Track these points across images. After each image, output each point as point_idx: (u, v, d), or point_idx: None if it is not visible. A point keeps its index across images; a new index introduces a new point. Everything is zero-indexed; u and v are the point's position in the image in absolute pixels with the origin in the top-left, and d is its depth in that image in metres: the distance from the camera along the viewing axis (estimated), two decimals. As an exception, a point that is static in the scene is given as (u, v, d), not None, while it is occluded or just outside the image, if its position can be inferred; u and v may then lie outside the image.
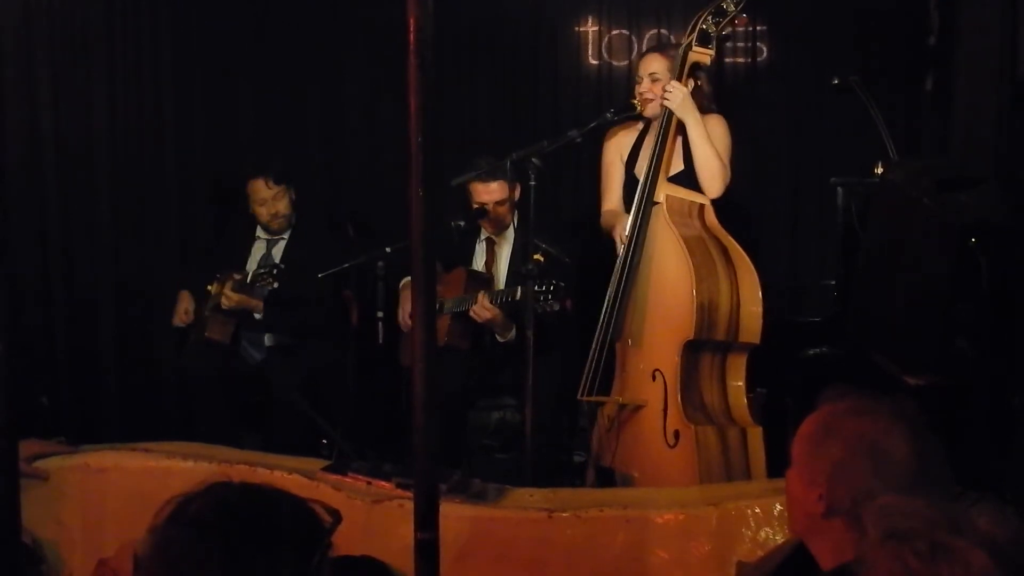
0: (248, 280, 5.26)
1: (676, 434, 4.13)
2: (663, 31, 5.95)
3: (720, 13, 4.34)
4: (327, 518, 1.81)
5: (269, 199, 5.42)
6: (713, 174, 4.37)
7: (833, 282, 4.96)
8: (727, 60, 5.83)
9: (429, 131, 1.90)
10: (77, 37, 5.65)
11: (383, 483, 3.63)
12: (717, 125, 4.45)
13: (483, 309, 4.82)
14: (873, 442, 2.12)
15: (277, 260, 5.45)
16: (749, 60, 5.93)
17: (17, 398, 2.33)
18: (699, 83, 4.45)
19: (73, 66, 5.63)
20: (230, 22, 6.02)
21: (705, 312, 4.09)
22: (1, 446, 2.45)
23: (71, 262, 5.69)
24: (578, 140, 4.49)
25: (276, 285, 5.15)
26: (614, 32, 6.04)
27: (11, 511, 1.91)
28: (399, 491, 3.54)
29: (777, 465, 4.08)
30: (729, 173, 4.42)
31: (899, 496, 1.96)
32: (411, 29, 1.88)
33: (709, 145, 4.36)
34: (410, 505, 1.92)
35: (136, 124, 5.86)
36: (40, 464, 3.70)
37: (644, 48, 5.81)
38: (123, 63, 5.80)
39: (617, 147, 4.73)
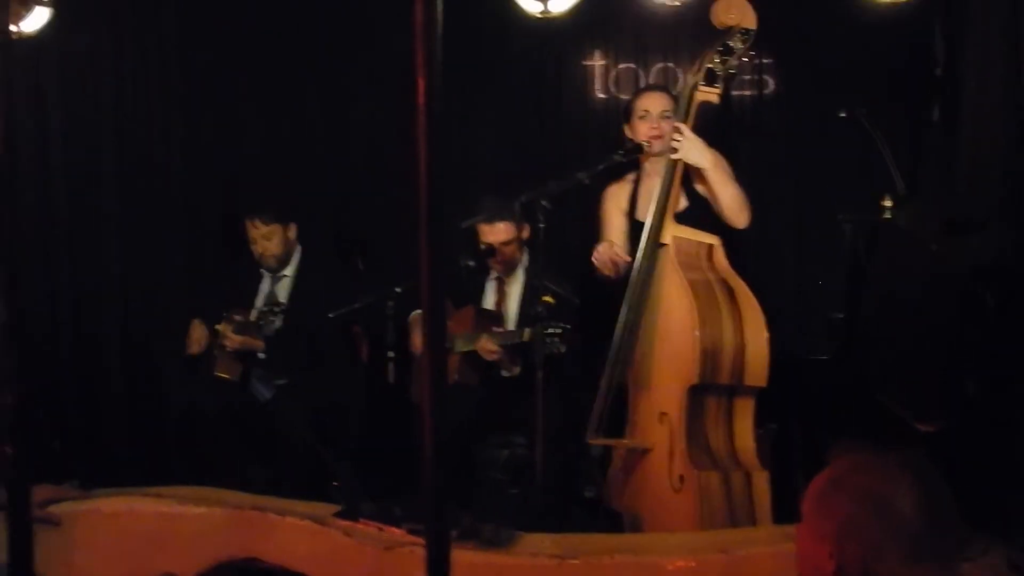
0: (253, 319, 5.28)
1: (681, 478, 4.11)
2: (670, 64, 5.96)
3: (727, 51, 4.33)
4: None
5: (259, 239, 5.43)
6: (740, 207, 4.39)
7: (841, 315, 4.95)
8: (733, 92, 5.84)
9: (437, 172, 1.92)
10: (85, 70, 5.69)
11: (394, 529, 3.64)
12: (721, 160, 4.45)
13: (488, 352, 4.86)
14: (881, 498, 2.13)
15: (282, 296, 5.46)
16: (756, 92, 5.94)
17: (29, 443, 2.35)
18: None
19: (81, 98, 5.67)
20: (238, 55, 6.05)
21: (709, 357, 4.07)
22: (14, 492, 2.47)
23: (79, 304, 5.72)
24: (586, 182, 4.46)
25: (279, 323, 5.17)
26: (621, 66, 6.05)
27: (24, 556, 1.92)
28: (410, 537, 3.56)
29: (785, 503, 4.09)
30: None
31: (905, 562, 1.98)
32: (419, 64, 1.90)
33: (731, 182, 4.37)
34: (421, 551, 1.92)
35: (144, 156, 5.91)
36: (53, 509, 3.72)
37: (651, 82, 5.83)
38: (130, 94, 5.86)
39: (615, 200, 4.74)
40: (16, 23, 4.69)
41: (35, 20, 4.90)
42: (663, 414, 4.19)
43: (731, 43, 4.33)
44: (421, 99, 1.96)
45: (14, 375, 2.42)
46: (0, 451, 2.41)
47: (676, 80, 5.92)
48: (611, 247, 4.54)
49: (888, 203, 4.68)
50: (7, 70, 2.40)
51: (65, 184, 5.73)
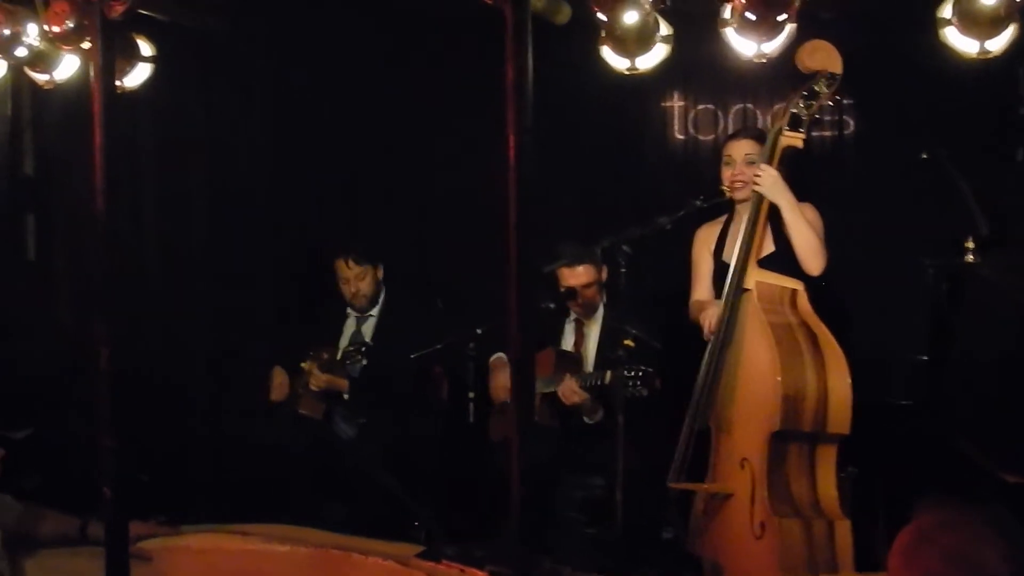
0: (338, 357, 5.35)
1: (762, 525, 4.07)
2: (749, 106, 5.98)
3: (812, 96, 4.32)
4: None
5: (351, 279, 5.54)
6: (814, 252, 4.36)
7: (925, 358, 4.89)
8: (814, 134, 5.82)
9: (526, 228, 1.97)
10: (179, 127, 5.85)
11: (476, 571, 3.66)
12: (808, 210, 4.43)
13: (571, 392, 4.87)
14: (968, 555, 2.14)
15: (368, 337, 5.55)
16: (836, 133, 5.93)
17: (128, 486, 2.43)
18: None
19: (175, 153, 5.82)
20: (324, 101, 6.17)
21: (791, 403, 4.03)
22: (112, 531, 2.55)
23: (170, 343, 5.85)
24: (668, 227, 4.48)
25: (364, 362, 5.23)
26: (700, 107, 6.09)
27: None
28: (492, 579, 3.57)
29: (865, 548, 4.06)
30: (826, 252, 4.40)
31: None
32: (510, 122, 1.95)
33: (806, 224, 4.35)
34: None
35: (233, 198, 6.06)
36: (144, 545, 3.78)
37: (730, 123, 5.86)
38: (222, 141, 6.00)
39: (705, 241, 4.76)
40: (120, 78, 4.84)
41: (138, 75, 5.05)
42: (744, 460, 4.17)
43: (816, 88, 4.32)
44: (512, 155, 2.02)
45: (114, 420, 2.50)
46: (100, 492, 2.49)
47: (756, 122, 5.94)
48: (698, 310, 4.59)
49: (970, 245, 4.64)
50: (113, 123, 2.50)
51: (155, 228, 5.88)
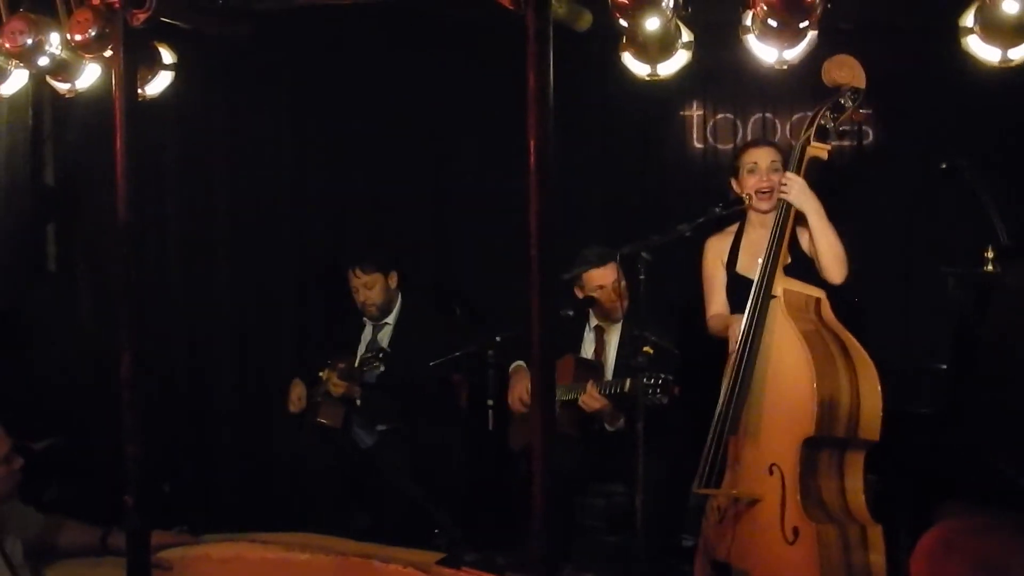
0: (357, 364, 5.36)
1: (795, 531, 4.06)
2: (768, 115, 5.97)
3: (838, 108, 4.39)
4: None
5: (360, 287, 5.56)
6: (839, 261, 4.42)
7: (944, 366, 4.89)
8: (834, 143, 5.81)
9: (548, 234, 1.97)
10: (201, 136, 5.88)
11: (497, 578, 3.66)
12: None
13: (592, 399, 4.87)
14: (996, 562, 2.13)
15: (385, 344, 5.55)
16: (856, 143, 5.92)
17: (150, 495, 2.44)
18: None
19: (197, 175, 5.86)
20: (346, 109, 6.19)
21: (826, 409, 4.04)
22: (134, 540, 2.56)
23: (193, 354, 5.88)
24: (688, 234, 4.51)
25: (382, 369, 5.24)
26: (719, 116, 6.08)
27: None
28: (513, 586, 3.57)
29: (889, 557, 4.05)
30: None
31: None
32: (531, 126, 1.95)
33: (832, 232, 4.40)
34: None
35: (253, 210, 6.08)
36: (164, 554, 3.79)
37: (749, 132, 5.86)
38: (242, 151, 6.03)
39: (716, 253, 4.79)
40: (142, 86, 4.86)
41: (159, 83, 5.07)
42: (774, 465, 4.16)
43: (842, 101, 4.39)
44: (533, 161, 2.02)
45: (138, 429, 2.51)
46: (122, 500, 2.50)
47: (775, 131, 5.94)
48: (721, 325, 4.61)
49: (991, 255, 4.63)
50: (134, 132, 2.51)
51: (177, 238, 5.93)
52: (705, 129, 6.09)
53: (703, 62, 5.39)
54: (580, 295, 5.20)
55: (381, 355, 5.28)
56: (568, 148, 5.94)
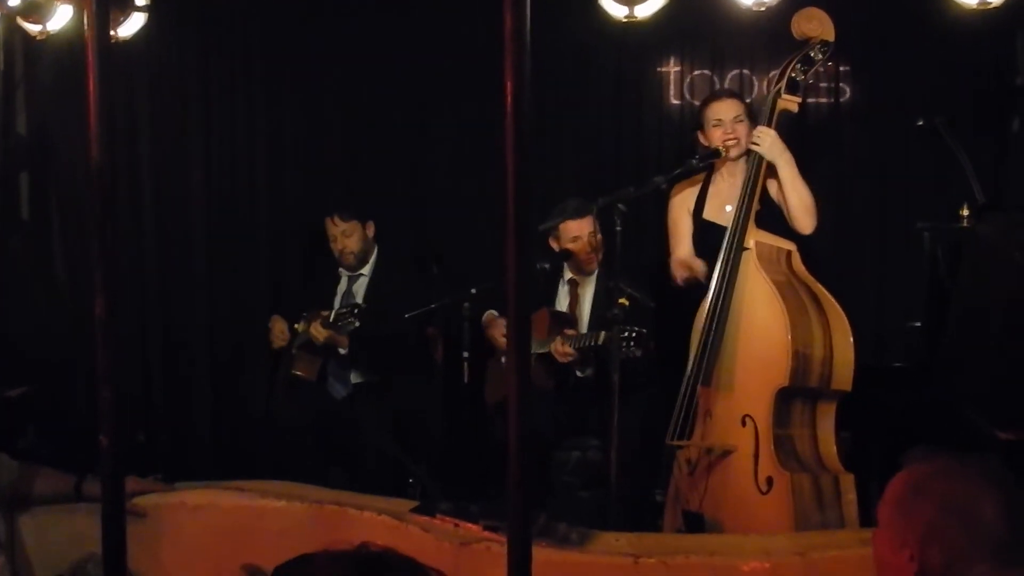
0: (331, 319, 5.34)
1: (769, 480, 4.11)
2: (745, 71, 5.96)
3: (808, 61, 4.42)
4: None
5: (338, 235, 5.52)
6: (808, 211, 4.46)
7: (918, 324, 4.92)
8: (810, 100, 5.82)
9: (524, 175, 1.96)
10: (176, 94, 5.84)
11: (470, 525, 3.67)
12: None
13: (562, 354, 4.90)
14: (964, 504, 2.13)
15: (359, 297, 5.53)
16: (832, 100, 5.92)
17: (123, 437, 2.43)
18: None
19: (171, 120, 5.82)
20: (320, 66, 6.15)
21: (800, 359, 4.09)
22: (108, 483, 2.55)
23: (167, 305, 5.86)
24: (664, 187, 4.54)
25: (357, 324, 5.21)
26: (696, 73, 6.06)
27: (118, 545, 1.98)
28: (487, 533, 3.58)
29: (861, 511, 4.09)
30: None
31: (992, 567, 1.98)
32: (508, 68, 1.94)
33: (802, 183, 4.45)
34: (497, 548, 1.95)
35: (229, 157, 6.07)
36: (138, 501, 3.78)
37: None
38: (217, 96, 6.00)
39: (683, 201, 4.82)
40: (114, 28, 4.81)
41: (131, 25, 5.02)
42: (747, 416, 4.20)
43: (812, 54, 4.42)
44: (509, 103, 2.00)
45: (111, 371, 2.50)
46: (97, 442, 2.49)
47: (751, 87, 5.93)
48: (683, 266, 4.64)
49: (966, 212, 4.66)
50: (107, 73, 2.49)
51: (151, 184, 5.89)
52: (682, 85, 6.07)
53: (681, 18, 5.39)
54: (556, 247, 5.19)
55: (356, 311, 5.25)
56: (544, 102, 5.94)
